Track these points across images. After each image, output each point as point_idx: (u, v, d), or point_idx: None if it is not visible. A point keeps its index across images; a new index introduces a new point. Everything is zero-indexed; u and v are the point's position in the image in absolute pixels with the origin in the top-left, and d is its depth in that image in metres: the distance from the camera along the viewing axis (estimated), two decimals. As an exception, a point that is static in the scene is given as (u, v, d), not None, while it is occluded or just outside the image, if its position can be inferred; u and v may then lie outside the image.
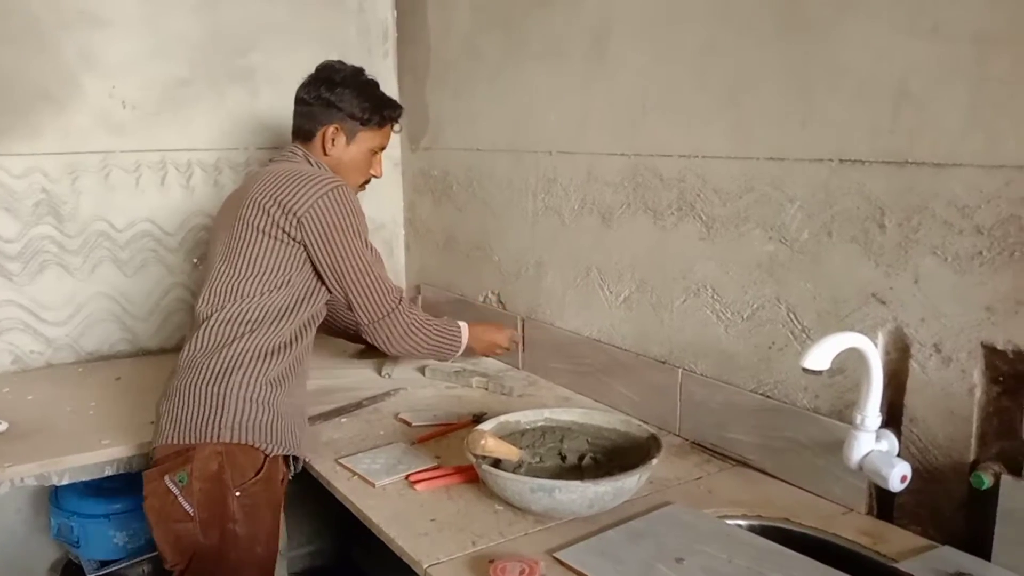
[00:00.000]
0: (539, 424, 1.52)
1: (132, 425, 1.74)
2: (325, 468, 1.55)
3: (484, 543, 1.25)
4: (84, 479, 1.67)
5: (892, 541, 1.26)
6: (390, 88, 2.53)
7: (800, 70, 1.37)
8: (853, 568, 1.18)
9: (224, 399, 1.49)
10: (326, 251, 1.59)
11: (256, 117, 2.34)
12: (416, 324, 1.73)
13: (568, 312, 1.95)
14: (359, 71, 1.78)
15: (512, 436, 1.48)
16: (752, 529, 1.34)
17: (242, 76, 2.32)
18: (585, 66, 1.81)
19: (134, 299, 2.28)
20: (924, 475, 1.26)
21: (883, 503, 1.33)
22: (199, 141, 2.31)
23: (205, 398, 1.49)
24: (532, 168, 2.01)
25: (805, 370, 1.16)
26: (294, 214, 1.56)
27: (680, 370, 1.66)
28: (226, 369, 1.52)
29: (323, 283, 1.64)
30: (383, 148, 1.84)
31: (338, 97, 1.72)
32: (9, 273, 2.11)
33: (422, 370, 2.07)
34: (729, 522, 1.33)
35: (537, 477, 1.33)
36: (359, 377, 2.07)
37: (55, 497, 1.92)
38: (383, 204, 2.58)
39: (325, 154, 1.75)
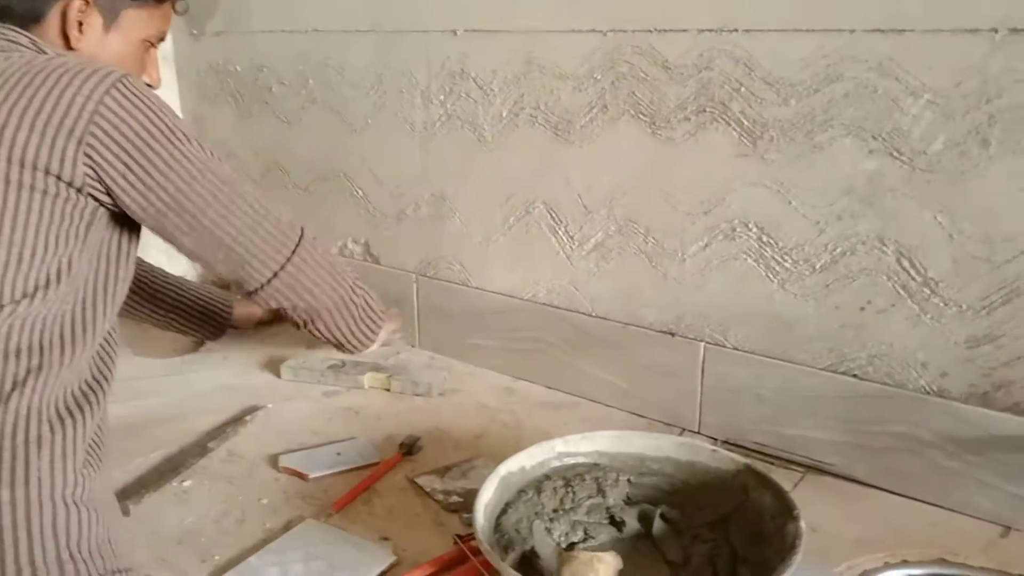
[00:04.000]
0: (553, 466, 0.96)
1: None
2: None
3: None
4: None
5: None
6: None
7: None
8: None
9: (31, 514, 0.77)
10: (152, 187, 0.87)
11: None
12: (340, 263, 1.09)
13: (494, 267, 1.37)
14: None
15: (527, 499, 0.91)
16: (914, 588, 0.91)
17: None
18: None
19: None
20: None
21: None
22: None
23: None
24: (421, 57, 1.35)
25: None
26: (74, 139, 0.82)
27: (702, 344, 1.17)
28: (18, 453, 0.78)
29: (130, 249, 0.94)
30: (162, 38, 1.11)
31: None
32: None
33: (276, 370, 1.39)
34: (883, 584, 0.90)
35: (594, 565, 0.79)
36: (182, 391, 1.34)
37: None
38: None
39: (69, 46, 0.99)
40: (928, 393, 1.01)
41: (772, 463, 1.12)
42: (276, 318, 1.41)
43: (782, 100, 1.03)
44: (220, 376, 1.39)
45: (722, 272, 1.13)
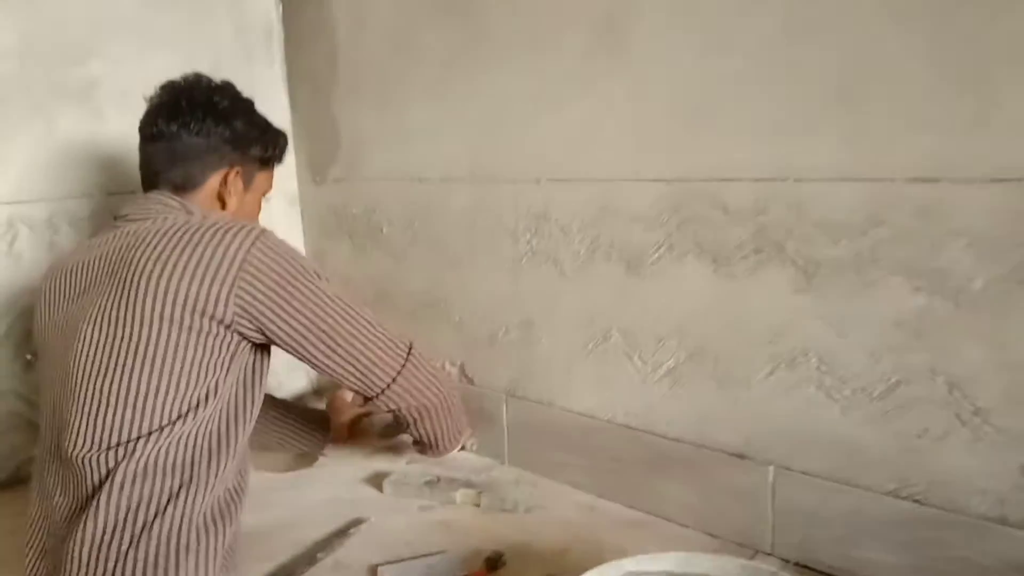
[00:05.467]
0: (623, 585, 1.04)
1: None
2: None
3: None
4: None
5: None
6: (280, 105, 1.97)
7: (968, 48, 0.98)
8: None
9: None
10: (294, 316, 1.11)
11: (103, 149, 1.70)
12: (441, 370, 1.37)
13: (577, 389, 1.48)
14: (233, 88, 1.30)
15: (595, 614, 0.99)
16: None
17: (79, 92, 1.67)
18: (591, 60, 1.34)
19: (-64, 419, 1.58)
20: None
21: None
22: (22, 189, 1.63)
23: None
24: (510, 202, 1.52)
25: None
26: (226, 286, 1.04)
27: (770, 467, 1.23)
28: (170, 559, 0.94)
29: (264, 371, 1.17)
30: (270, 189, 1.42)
31: (234, 130, 1.25)
32: None
33: (378, 485, 1.52)
34: None
35: None
36: (296, 504, 1.48)
37: None
38: (278, 253, 1.99)
39: (224, 206, 1.27)
40: (988, 520, 1.03)
41: (843, 586, 1.15)
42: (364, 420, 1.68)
43: (833, 241, 1.12)
44: (329, 490, 1.53)
45: (787, 399, 1.20)
